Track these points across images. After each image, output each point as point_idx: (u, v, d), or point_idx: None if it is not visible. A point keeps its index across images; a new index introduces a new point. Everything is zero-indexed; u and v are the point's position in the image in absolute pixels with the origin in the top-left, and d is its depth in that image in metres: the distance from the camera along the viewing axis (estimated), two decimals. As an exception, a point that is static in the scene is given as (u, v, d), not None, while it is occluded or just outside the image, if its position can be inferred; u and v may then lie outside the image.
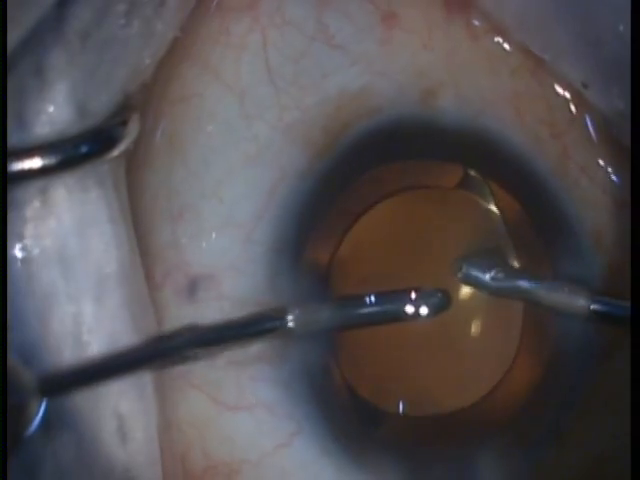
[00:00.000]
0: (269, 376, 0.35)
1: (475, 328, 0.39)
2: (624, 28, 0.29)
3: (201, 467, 0.34)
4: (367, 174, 0.36)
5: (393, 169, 0.37)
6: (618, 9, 0.29)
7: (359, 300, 0.34)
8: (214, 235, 0.34)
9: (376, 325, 0.34)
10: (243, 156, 0.34)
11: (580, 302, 0.33)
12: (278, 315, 0.33)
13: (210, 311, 0.34)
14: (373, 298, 0.34)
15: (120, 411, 0.31)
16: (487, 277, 0.34)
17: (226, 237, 0.34)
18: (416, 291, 0.33)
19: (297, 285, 0.35)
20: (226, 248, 0.34)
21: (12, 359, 0.29)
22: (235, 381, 0.34)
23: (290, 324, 0.33)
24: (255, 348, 0.34)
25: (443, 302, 0.33)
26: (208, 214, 0.34)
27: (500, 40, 0.33)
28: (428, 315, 0.33)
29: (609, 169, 0.34)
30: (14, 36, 0.30)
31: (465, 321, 0.39)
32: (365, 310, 0.34)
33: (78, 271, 0.31)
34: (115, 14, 0.30)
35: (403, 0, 0.33)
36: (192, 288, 0.34)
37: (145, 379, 0.32)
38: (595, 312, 0.33)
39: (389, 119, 0.34)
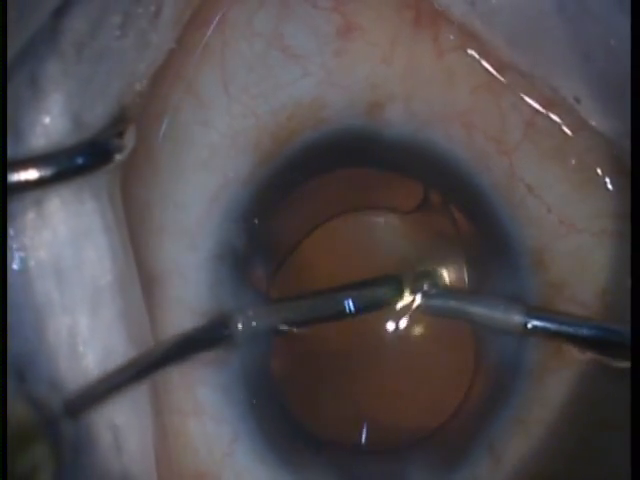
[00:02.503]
0: (210, 380, 0.35)
1: (426, 354, 0.38)
2: (615, 42, 0.30)
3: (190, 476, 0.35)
4: (316, 186, 0.37)
5: (346, 185, 0.37)
6: (609, 24, 0.30)
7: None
8: (165, 238, 0.34)
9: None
10: (196, 162, 0.34)
11: (515, 319, 0.33)
12: (224, 324, 0.34)
13: (162, 315, 0.34)
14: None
15: (115, 423, 0.31)
16: (420, 297, 0.35)
17: (174, 241, 0.35)
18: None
19: (238, 294, 0.35)
20: (173, 252, 0.35)
21: (38, 390, 0.29)
22: (178, 386, 0.35)
23: (236, 333, 0.33)
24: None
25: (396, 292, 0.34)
26: (162, 217, 0.34)
27: (468, 58, 0.33)
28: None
29: (559, 188, 0.34)
30: (9, 47, 0.29)
31: (414, 349, 0.38)
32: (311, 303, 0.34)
33: (73, 283, 0.31)
34: (110, 26, 0.30)
35: (371, 12, 0.34)
36: (146, 291, 0.34)
37: (140, 391, 0.32)
38: (531, 328, 0.33)
39: (335, 129, 0.35)
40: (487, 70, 0.33)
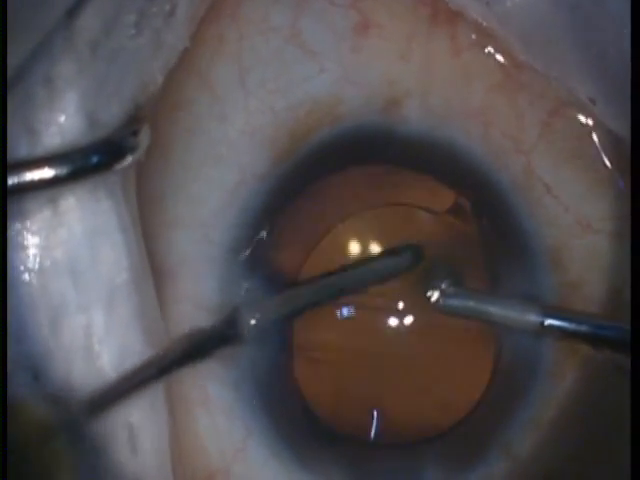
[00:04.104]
0: (221, 376, 0.35)
1: (443, 352, 0.38)
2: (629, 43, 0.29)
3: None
4: (333, 182, 0.36)
5: (363, 181, 0.37)
6: (624, 24, 0.29)
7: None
8: (177, 232, 0.35)
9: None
10: (212, 157, 0.34)
11: (532, 318, 0.33)
12: (236, 321, 0.33)
13: (172, 310, 0.34)
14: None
15: (131, 421, 0.31)
16: (437, 296, 0.34)
17: (186, 235, 0.35)
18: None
19: (251, 291, 0.35)
20: (185, 246, 0.35)
21: (55, 389, 0.29)
22: (189, 381, 0.35)
23: (248, 329, 0.33)
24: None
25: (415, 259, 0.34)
26: (176, 210, 0.34)
27: (485, 56, 0.33)
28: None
29: (576, 188, 0.34)
30: (24, 46, 0.29)
31: (431, 346, 0.38)
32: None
33: (89, 281, 0.31)
34: (125, 24, 0.30)
35: (387, 9, 0.34)
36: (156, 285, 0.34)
37: (156, 390, 0.32)
38: (547, 328, 0.33)
39: (351, 125, 0.35)
40: (503, 69, 0.33)
